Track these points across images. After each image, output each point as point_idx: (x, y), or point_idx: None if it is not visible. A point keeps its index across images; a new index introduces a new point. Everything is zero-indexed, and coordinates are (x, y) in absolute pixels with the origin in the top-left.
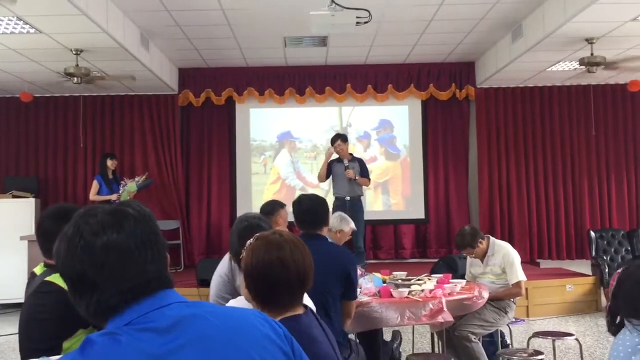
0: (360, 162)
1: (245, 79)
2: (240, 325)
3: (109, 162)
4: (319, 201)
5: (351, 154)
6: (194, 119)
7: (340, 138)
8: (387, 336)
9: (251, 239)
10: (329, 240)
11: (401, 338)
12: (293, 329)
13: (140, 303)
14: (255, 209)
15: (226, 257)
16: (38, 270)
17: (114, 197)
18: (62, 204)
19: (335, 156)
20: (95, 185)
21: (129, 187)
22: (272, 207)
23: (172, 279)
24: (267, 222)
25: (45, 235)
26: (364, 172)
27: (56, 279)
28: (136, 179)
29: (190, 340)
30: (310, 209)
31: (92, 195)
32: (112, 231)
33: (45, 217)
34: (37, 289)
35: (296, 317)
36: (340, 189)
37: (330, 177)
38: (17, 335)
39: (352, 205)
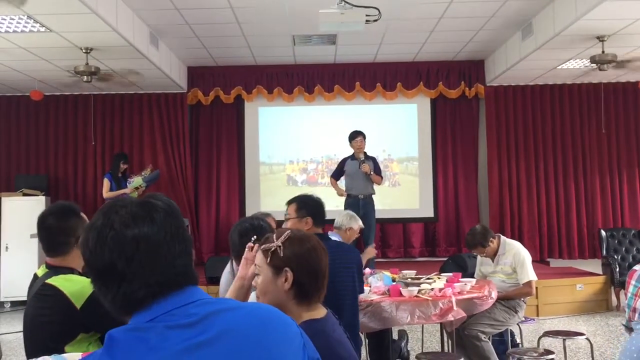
0: (374, 160)
1: (254, 78)
2: (265, 321)
3: (122, 165)
4: (321, 200)
5: (365, 152)
6: (203, 118)
7: (360, 135)
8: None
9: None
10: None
11: (407, 337)
12: (320, 331)
13: (167, 298)
14: (264, 207)
15: None
16: (40, 272)
17: (127, 190)
18: (64, 201)
19: (348, 153)
20: (106, 183)
21: (136, 182)
22: None
23: (197, 275)
24: (267, 222)
25: (50, 230)
26: (377, 170)
27: (57, 281)
28: (142, 173)
29: (217, 334)
30: (322, 207)
31: (105, 193)
32: (143, 223)
33: (49, 214)
34: (39, 291)
35: (321, 319)
36: (354, 187)
37: (343, 176)
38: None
39: (365, 204)
